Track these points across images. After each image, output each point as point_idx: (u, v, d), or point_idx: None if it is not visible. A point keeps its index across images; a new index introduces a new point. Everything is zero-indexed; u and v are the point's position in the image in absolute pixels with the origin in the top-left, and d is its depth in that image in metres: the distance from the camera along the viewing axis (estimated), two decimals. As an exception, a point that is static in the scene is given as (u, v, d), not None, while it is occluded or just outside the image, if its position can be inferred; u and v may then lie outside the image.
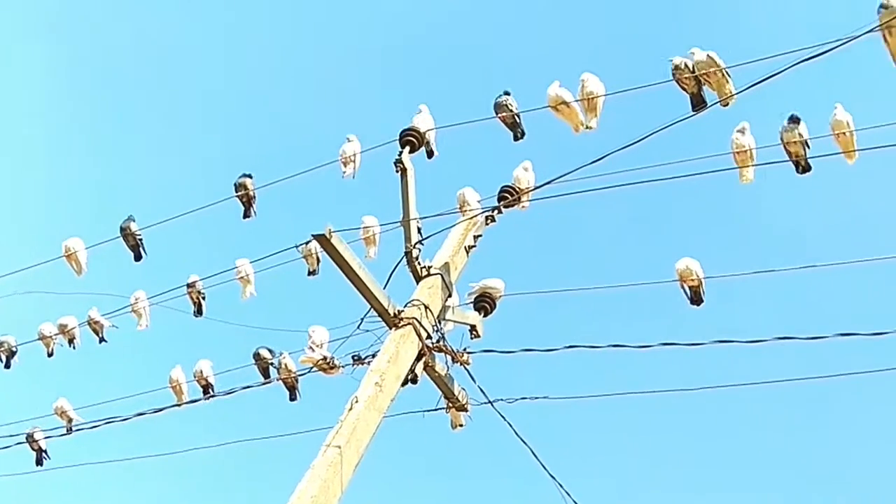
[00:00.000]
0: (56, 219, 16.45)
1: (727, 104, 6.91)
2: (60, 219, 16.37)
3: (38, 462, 9.98)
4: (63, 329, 10.04)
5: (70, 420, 9.91)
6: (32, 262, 9.62)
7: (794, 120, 6.97)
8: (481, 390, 7.16)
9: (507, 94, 7.60)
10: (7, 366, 10.34)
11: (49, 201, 17.75)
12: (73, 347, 10.05)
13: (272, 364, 9.04)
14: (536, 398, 7.25)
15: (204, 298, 9.43)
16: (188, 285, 9.40)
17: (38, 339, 10.14)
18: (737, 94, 6.89)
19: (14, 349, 10.34)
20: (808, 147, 6.91)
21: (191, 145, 17.55)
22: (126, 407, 9.02)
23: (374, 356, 6.79)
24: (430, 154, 7.83)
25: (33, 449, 9.99)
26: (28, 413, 10.18)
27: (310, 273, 9.01)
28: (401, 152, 7.33)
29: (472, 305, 7.55)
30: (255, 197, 8.97)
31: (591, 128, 7.22)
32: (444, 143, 8.04)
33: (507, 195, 7.58)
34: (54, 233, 10.52)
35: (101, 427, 8.87)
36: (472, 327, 7.37)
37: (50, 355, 10.09)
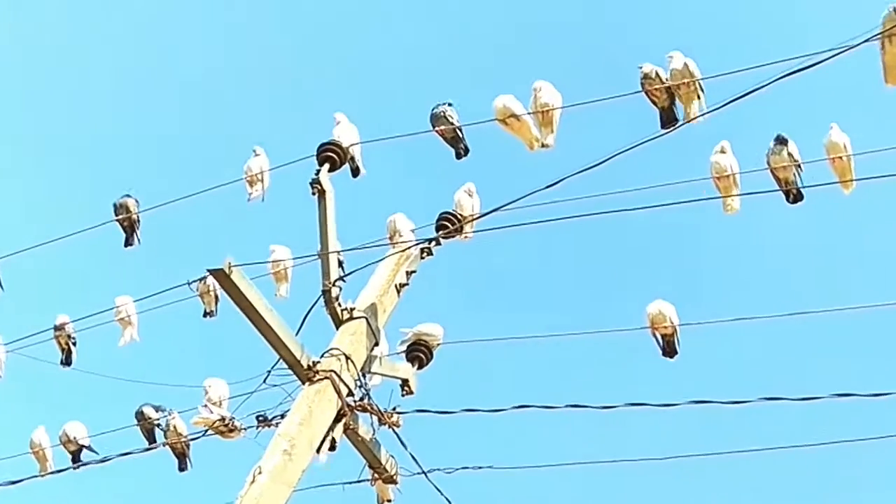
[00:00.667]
0: None
1: (693, 121, 7.04)
2: None
3: None
4: None
5: None
6: None
7: (781, 141, 7.12)
8: (413, 458, 7.12)
9: (447, 104, 7.65)
10: None
11: None
12: None
13: (158, 425, 8.89)
14: (480, 468, 7.23)
15: (74, 344, 9.26)
16: (55, 328, 9.21)
17: None
18: (708, 112, 7.03)
19: None
20: (801, 170, 7.07)
21: (56, 162, 17.33)
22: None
23: (283, 416, 6.71)
24: (354, 172, 7.82)
25: None
26: None
27: (206, 314, 8.90)
28: (318, 171, 7.29)
29: (403, 356, 7.51)
30: (139, 221, 8.86)
31: (546, 145, 7.29)
32: (372, 162, 8.05)
33: (446, 223, 7.59)
34: None
35: None
36: (404, 382, 7.31)
37: None
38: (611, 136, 6.92)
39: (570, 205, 6.87)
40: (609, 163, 6.53)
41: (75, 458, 9.23)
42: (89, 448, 9.12)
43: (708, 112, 7.11)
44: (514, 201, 6.82)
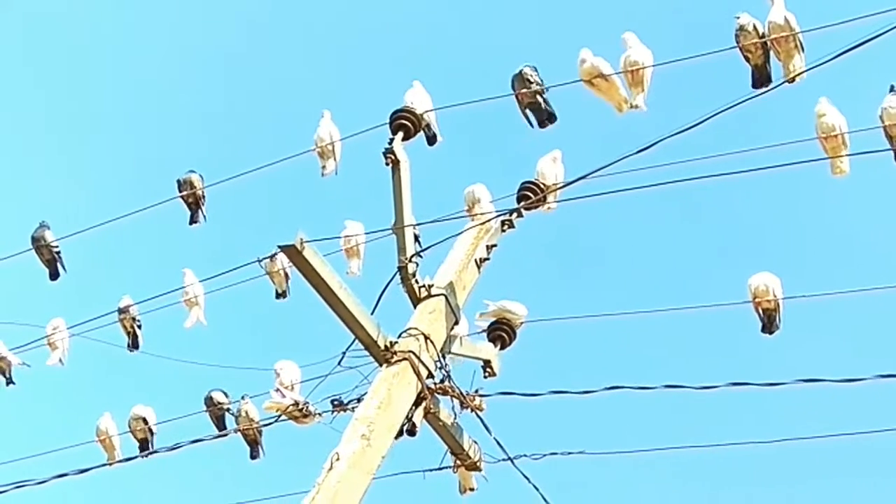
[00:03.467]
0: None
1: (794, 80, 6.82)
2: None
3: None
4: None
5: None
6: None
7: (897, 93, 6.85)
8: (498, 443, 7.02)
9: (529, 66, 7.48)
10: None
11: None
12: None
13: (229, 411, 8.91)
14: (569, 453, 7.12)
15: (140, 327, 9.30)
16: (119, 311, 9.25)
17: None
18: (810, 69, 6.80)
19: None
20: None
21: (123, 139, 17.48)
22: (42, 466, 8.88)
23: (359, 401, 6.65)
24: (431, 140, 7.70)
25: None
26: None
27: (278, 295, 8.87)
28: (391, 139, 7.19)
29: (485, 335, 7.42)
30: (204, 198, 8.85)
31: (637, 107, 7.11)
32: (449, 129, 7.93)
33: (529, 194, 7.44)
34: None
35: (10, 492, 8.73)
36: (486, 363, 7.21)
37: None
38: (705, 95, 6.73)
39: (662, 171, 6.69)
40: (705, 125, 6.34)
41: (143, 445, 9.29)
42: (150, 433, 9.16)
43: (810, 68, 6.88)
44: (602, 168, 6.65)
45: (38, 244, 9.24)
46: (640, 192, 6.83)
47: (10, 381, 9.82)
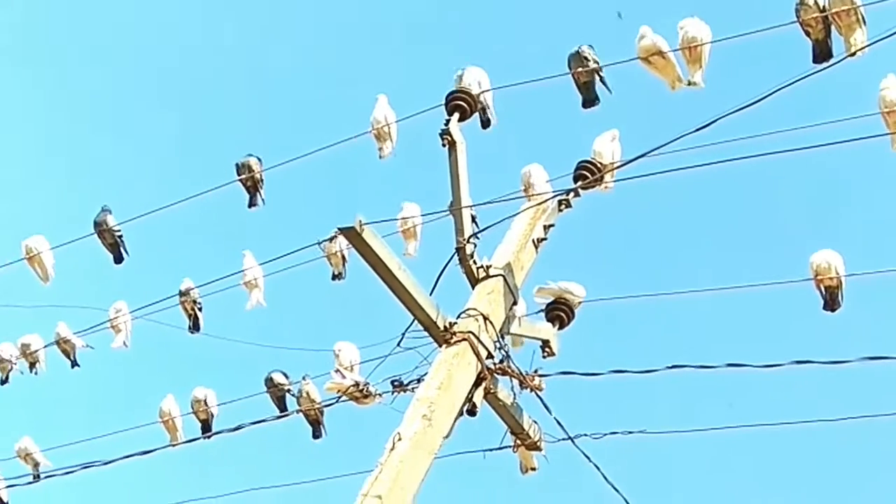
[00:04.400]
0: (14, 215, 16.58)
1: (856, 55, 6.71)
2: (20, 215, 16.49)
3: None
4: (25, 351, 10.06)
5: (37, 465, 9.94)
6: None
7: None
8: (559, 423, 7.02)
9: (586, 45, 7.44)
10: None
11: (4, 195, 17.89)
12: (36, 373, 10.10)
13: (289, 392, 8.98)
14: (630, 433, 7.10)
15: (200, 310, 9.39)
16: (180, 293, 9.35)
17: None
18: (872, 43, 6.69)
19: None
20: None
21: (178, 124, 17.64)
22: (105, 448, 9.01)
23: (419, 381, 6.68)
24: (485, 123, 7.70)
25: None
26: None
27: (335, 277, 8.92)
28: (448, 121, 7.19)
29: (543, 315, 7.42)
30: (262, 181, 8.91)
31: (694, 83, 7.05)
32: (505, 110, 7.92)
33: (585, 173, 7.41)
34: (12, 232, 10.58)
35: (78, 473, 8.88)
36: (545, 343, 7.20)
37: (4, 382, 10.12)
38: (765, 71, 6.65)
39: (722, 148, 6.63)
40: (765, 101, 6.28)
41: (205, 427, 9.40)
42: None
43: (871, 43, 6.78)
44: (660, 146, 6.61)
45: (101, 228, 9.33)
46: (698, 170, 6.79)
47: (74, 364, 9.97)
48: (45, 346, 9.91)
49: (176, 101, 17.74)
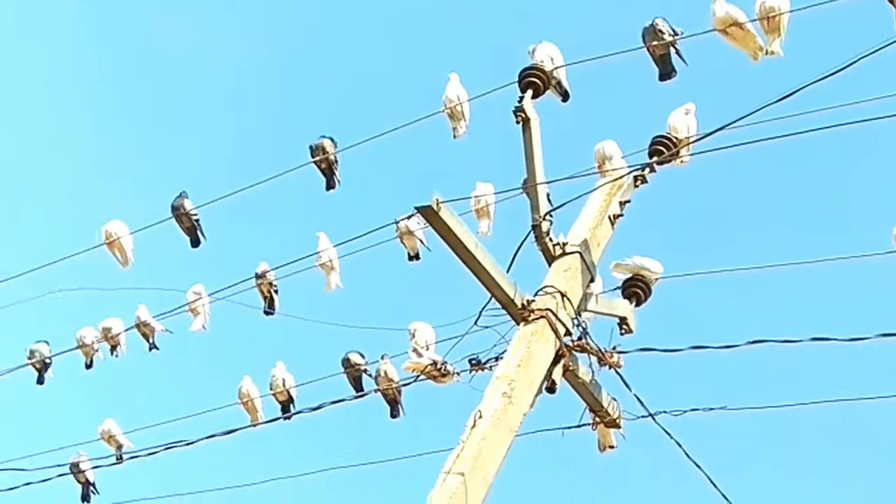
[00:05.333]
0: (93, 201, 16.83)
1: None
2: (99, 200, 16.73)
3: (85, 498, 10.18)
4: (106, 335, 10.16)
5: (119, 446, 10.07)
6: (66, 253, 9.75)
7: None
8: (639, 400, 6.96)
9: (660, 18, 7.35)
10: (40, 381, 10.52)
11: (85, 181, 18.20)
12: (116, 356, 10.20)
13: (366, 372, 9.01)
14: (711, 409, 7.02)
15: (276, 292, 9.43)
16: (257, 276, 9.38)
17: (77, 347, 10.29)
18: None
19: (48, 360, 10.51)
20: None
21: (252, 108, 17.76)
22: (185, 429, 9.11)
23: (497, 359, 6.67)
24: (565, 96, 7.61)
25: (79, 482, 10.19)
26: (69, 438, 10.39)
27: (410, 258, 8.92)
28: (521, 97, 7.13)
29: (619, 293, 7.35)
30: (337, 162, 8.92)
31: (773, 53, 6.92)
32: (576, 86, 7.84)
33: (661, 148, 7.33)
34: (92, 217, 10.73)
35: (160, 454, 8.98)
36: (622, 320, 7.13)
37: (88, 366, 10.24)
38: (847, 40, 6.51)
39: (802, 119, 6.50)
40: (847, 71, 6.14)
41: (284, 407, 9.47)
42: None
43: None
44: (740, 118, 6.50)
45: (178, 212, 9.39)
46: (777, 142, 6.67)
47: (153, 347, 10.07)
48: (126, 330, 10.02)
49: (252, 84, 17.86)
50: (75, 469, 10.03)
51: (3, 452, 9.92)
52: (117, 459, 10.00)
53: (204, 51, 18.58)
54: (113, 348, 10.15)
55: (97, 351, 10.20)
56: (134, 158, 18.13)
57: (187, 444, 8.74)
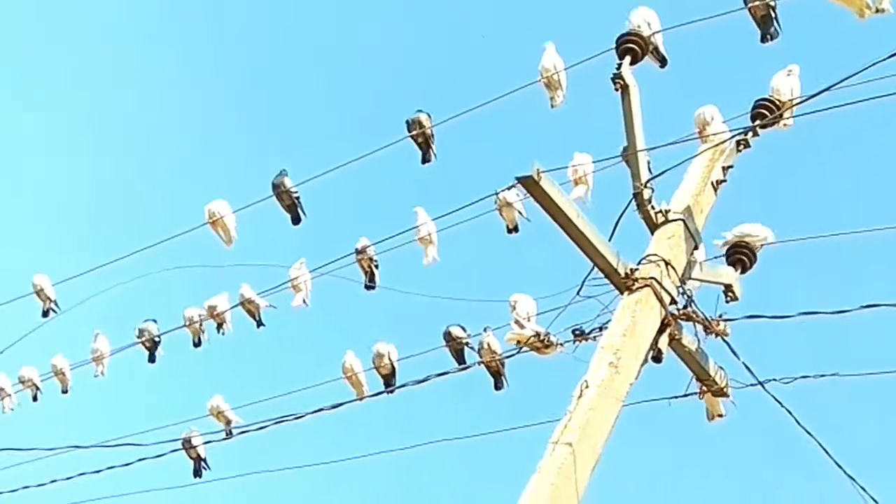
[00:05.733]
0: (198, 180, 17.09)
1: None
2: (202, 180, 16.98)
3: (196, 474, 10.39)
4: (212, 312, 10.33)
5: (228, 422, 10.26)
6: (171, 233, 9.91)
7: None
8: (747, 367, 6.87)
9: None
10: (151, 359, 10.76)
11: (187, 161, 18.49)
12: (223, 334, 10.36)
13: (468, 345, 9.03)
14: (822, 376, 6.90)
15: (377, 267, 9.50)
16: (357, 251, 9.46)
17: (185, 325, 10.47)
18: None
19: (157, 339, 10.73)
20: None
21: (349, 85, 17.84)
22: (291, 404, 9.22)
23: (601, 329, 6.64)
24: (662, 62, 7.51)
25: (191, 457, 10.41)
26: (180, 414, 10.60)
27: (509, 230, 8.90)
28: (619, 64, 7.04)
29: (723, 259, 7.26)
30: (433, 136, 8.93)
31: (882, 10, 6.73)
32: (673, 50, 7.73)
33: (764, 112, 7.19)
34: (197, 197, 10.91)
35: (270, 428, 9.13)
36: (727, 287, 7.01)
37: (197, 345, 10.44)
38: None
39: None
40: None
41: (387, 381, 9.54)
42: None
43: None
44: (846, 79, 6.34)
45: (279, 190, 9.50)
46: (886, 101, 6.50)
47: (259, 324, 10.22)
48: (231, 308, 10.18)
49: (349, 61, 17.92)
50: (187, 444, 10.24)
51: (120, 428, 10.19)
52: (227, 434, 10.19)
53: (299, 26, 18.70)
54: (219, 326, 10.32)
55: (203, 331, 10.39)
56: (233, 138, 18.36)
57: (296, 419, 8.87)
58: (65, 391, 11.34)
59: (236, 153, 17.84)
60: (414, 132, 8.92)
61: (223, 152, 18.13)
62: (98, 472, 10.10)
